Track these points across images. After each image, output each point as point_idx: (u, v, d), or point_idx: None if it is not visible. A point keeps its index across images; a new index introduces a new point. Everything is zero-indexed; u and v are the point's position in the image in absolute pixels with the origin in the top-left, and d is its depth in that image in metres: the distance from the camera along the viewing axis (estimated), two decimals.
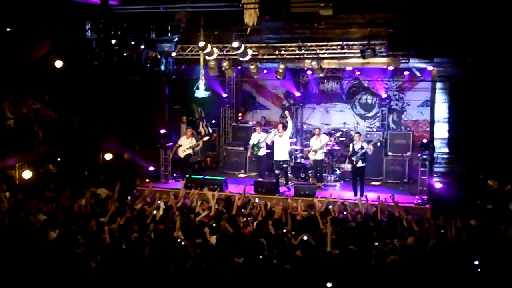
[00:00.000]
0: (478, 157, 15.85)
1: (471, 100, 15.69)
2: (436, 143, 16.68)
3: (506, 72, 15.05)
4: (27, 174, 15.86)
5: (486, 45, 15.15)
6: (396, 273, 8.52)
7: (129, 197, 14.55)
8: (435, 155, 16.60)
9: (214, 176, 18.20)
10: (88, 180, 17.34)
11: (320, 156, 18.05)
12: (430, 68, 16.59)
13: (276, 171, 17.85)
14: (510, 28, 14.57)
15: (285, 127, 18.04)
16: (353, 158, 16.79)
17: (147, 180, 18.00)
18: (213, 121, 21.96)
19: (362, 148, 16.69)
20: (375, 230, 11.38)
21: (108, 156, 18.85)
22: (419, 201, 16.06)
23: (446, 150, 16.65)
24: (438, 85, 16.54)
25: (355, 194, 16.60)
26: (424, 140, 17.71)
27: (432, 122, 17.04)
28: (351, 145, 17.24)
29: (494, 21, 14.74)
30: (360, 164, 16.73)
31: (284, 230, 11.27)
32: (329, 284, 8.03)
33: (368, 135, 19.66)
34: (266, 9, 16.08)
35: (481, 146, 15.80)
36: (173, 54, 15.97)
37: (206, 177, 17.49)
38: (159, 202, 12.95)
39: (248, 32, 15.78)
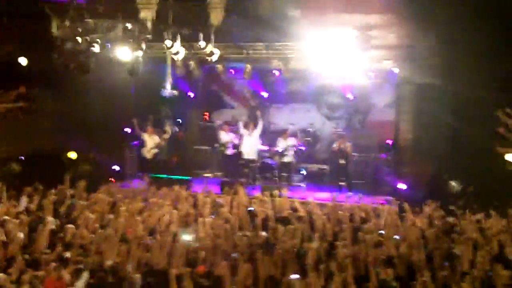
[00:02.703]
0: (442, 158, 16.07)
1: (435, 101, 15.91)
2: (401, 144, 16.89)
3: (469, 72, 15.29)
4: None
5: (449, 47, 15.38)
6: None
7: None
8: (399, 155, 16.81)
9: (180, 175, 18.13)
10: (53, 179, 17.09)
11: (288, 158, 18.17)
12: (395, 70, 16.78)
13: (245, 170, 17.89)
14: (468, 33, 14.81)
15: (256, 126, 18.10)
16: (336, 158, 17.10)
17: (111, 179, 17.86)
18: (180, 121, 21.88)
19: (344, 149, 17.07)
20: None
21: (73, 155, 18.65)
22: (384, 201, 16.23)
23: (410, 151, 16.85)
24: (403, 87, 16.75)
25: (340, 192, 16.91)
26: (389, 141, 17.91)
27: (397, 123, 17.23)
28: (335, 145, 17.47)
29: (454, 25, 14.96)
30: (342, 163, 17.01)
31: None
32: None
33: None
34: (233, 9, 16.06)
35: (444, 148, 16.03)
36: (140, 52, 15.88)
37: (171, 177, 17.43)
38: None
39: (213, 31, 15.76)
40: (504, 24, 14.28)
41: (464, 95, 15.36)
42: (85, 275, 9.01)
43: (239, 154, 18.45)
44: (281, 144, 18.31)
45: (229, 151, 18.59)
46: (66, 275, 9.01)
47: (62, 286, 8.84)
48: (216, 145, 19.05)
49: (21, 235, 10.68)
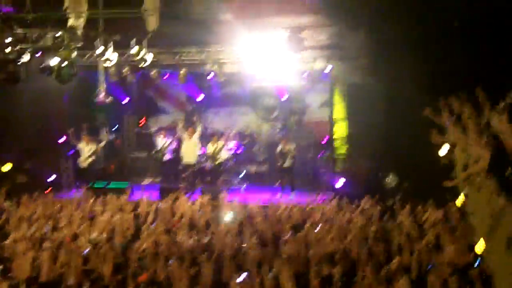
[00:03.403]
0: (376, 155, 16.44)
1: (366, 100, 16.27)
2: (336, 142, 17.20)
3: (398, 71, 15.69)
4: None
5: (379, 47, 15.75)
6: None
7: None
8: (335, 154, 17.11)
9: (118, 183, 17.95)
10: None
11: (221, 158, 18.31)
12: (327, 70, 17.07)
13: (183, 175, 17.88)
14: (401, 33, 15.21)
15: (195, 130, 18.13)
16: (280, 160, 17.28)
17: (48, 190, 17.53)
18: (115, 127, 21.66)
19: (289, 150, 17.23)
20: None
21: (8, 167, 18.22)
22: (323, 199, 16.48)
23: (345, 148, 17.18)
24: (336, 86, 17.06)
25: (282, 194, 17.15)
26: (325, 140, 18.21)
27: (331, 122, 17.54)
28: (278, 147, 17.66)
29: (382, 24, 15.34)
30: (287, 164, 17.11)
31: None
32: None
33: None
34: (166, 14, 16.05)
35: (379, 144, 16.39)
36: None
37: (109, 185, 17.24)
38: None
39: (149, 37, 15.71)
40: (432, 22, 14.70)
41: (393, 93, 15.77)
42: None
43: (177, 159, 18.41)
44: (209, 149, 18.43)
45: (167, 157, 18.54)
46: None
47: None
48: (153, 151, 18.94)
49: None
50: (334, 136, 17.29)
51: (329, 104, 17.99)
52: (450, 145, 9.70)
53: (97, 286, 8.97)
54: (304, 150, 19.64)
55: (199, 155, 18.54)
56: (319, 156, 18.98)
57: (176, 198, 15.43)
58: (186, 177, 17.88)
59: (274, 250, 10.87)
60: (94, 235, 11.71)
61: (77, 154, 18.50)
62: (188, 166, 18.01)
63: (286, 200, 15.33)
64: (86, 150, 18.31)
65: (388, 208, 13.76)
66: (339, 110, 17.12)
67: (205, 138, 19.76)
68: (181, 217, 13.68)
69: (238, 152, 19.19)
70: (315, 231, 12.10)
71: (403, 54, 15.20)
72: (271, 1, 15.98)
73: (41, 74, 13.73)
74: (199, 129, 18.16)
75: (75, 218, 13.11)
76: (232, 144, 18.92)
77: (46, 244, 10.93)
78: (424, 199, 13.51)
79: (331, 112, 17.48)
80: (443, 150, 13.56)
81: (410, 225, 11.88)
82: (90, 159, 18.32)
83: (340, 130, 17.18)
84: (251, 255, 10.30)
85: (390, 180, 16.17)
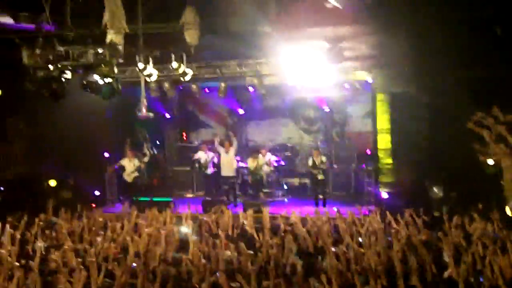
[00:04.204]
0: (421, 165, 16.15)
1: (409, 109, 16.02)
2: (380, 154, 16.94)
3: (442, 80, 15.43)
4: None
5: (421, 55, 15.51)
6: None
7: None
8: (379, 165, 16.85)
9: (161, 197, 18.03)
10: (34, 208, 16.89)
11: (263, 173, 18.28)
12: (370, 80, 16.86)
13: (225, 187, 17.91)
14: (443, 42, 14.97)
15: (231, 144, 18.14)
16: (314, 172, 17.06)
17: (93, 205, 17.68)
18: (158, 142, 21.80)
19: (322, 162, 17.06)
20: None
21: (53, 183, 18.48)
22: (366, 212, 16.23)
23: (390, 160, 16.91)
24: (379, 96, 16.83)
25: (317, 206, 16.89)
26: (368, 151, 17.97)
27: (374, 133, 17.30)
28: (310, 159, 17.53)
29: (431, 31, 15.11)
30: (321, 177, 16.96)
31: None
32: None
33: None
34: (206, 28, 16.11)
35: (423, 154, 16.11)
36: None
37: (153, 199, 17.33)
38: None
39: (189, 52, 15.76)
40: (476, 31, 14.45)
41: (438, 102, 15.49)
42: None
43: (219, 173, 18.45)
44: (250, 164, 18.40)
45: (209, 170, 18.61)
46: None
47: None
48: (195, 165, 19.00)
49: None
50: (378, 147, 17.03)
51: (372, 114, 17.75)
52: (495, 155, 9.49)
53: None
54: (347, 161, 19.43)
55: (237, 169, 18.54)
56: (362, 167, 18.74)
57: (219, 211, 15.40)
58: (227, 190, 17.89)
59: (318, 263, 10.74)
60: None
61: (121, 169, 18.66)
62: (227, 179, 18.05)
63: (329, 213, 15.07)
64: (130, 165, 18.47)
65: (434, 219, 13.46)
66: (382, 121, 16.86)
67: (246, 152, 19.74)
68: (225, 229, 13.65)
69: (280, 165, 19.08)
70: (359, 243, 11.92)
71: (446, 62, 14.94)
72: (310, 12, 15.86)
73: (83, 91, 13.88)
74: (235, 144, 18.18)
75: (120, 232, 13.22)
76: (273, 158, 18.83)
77: (93, 258, 11.00)
78: (471, 210, 13.18)
79: (374, 123, 17.24)
80: (490, 161, 13.28)
81: (458, 236, 11.59)
82: (133, 174, 18.48)
83: (384, 140, 16.92)
84: (295, 268, 10.19)
85: (436, 191, 15.84)
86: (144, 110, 16.25)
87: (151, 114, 16.61)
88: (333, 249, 11.31)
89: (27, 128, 18.02)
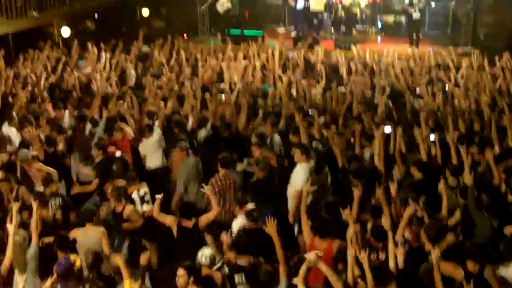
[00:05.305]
0: None
1: None
2: None
3: None
4: (65, 31, 15.78)
5: None
6: None
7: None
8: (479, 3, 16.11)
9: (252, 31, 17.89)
10: (126, 37, 17.24)
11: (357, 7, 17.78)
12: None
13: (315, 22, 17.65)
14: None
15: None
16: (410, 9, 16.51)
17: (185, 35, 17.77)
18: None
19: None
20: None
21: (145, 12, 18.63)
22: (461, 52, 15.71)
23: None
24: None
25: (411, 45, 16.46)
26: None
27: None
28: None
29: None
30: (416, 16, 16.42)
31: None
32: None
33: None
34: None
35: None
36: None
37: (244, 32, 17.31)
38: None
39: None
40: None
41: None
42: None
43: (308, 8, 18.09)
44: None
45: (300, 5, 18.17)
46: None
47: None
48: None
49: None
50: None
51: None
52: None
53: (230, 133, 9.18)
54: None
55: (330, 4, 18.08)
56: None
57: (309, 46, 15.25)
58: (317, 26, 17.61)
59: (409, 102, 10.66)
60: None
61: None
62: (316, 13, 17.70)
63: (426, 52, 14.60)
64: None
65: None
66: None
67: None
68: (314, 65, 13.65)
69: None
70: (453, 84, 11.70)
71: None
72: None
73: None
74: None
75: (212, 62, 13.44)
76: None
77: (187, 86, 11.35)
78: None
79: None
80: None
81: None
82: (226, 5, 18.31)
83: None
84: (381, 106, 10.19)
85: None
86: None
87: None
88: (425, 88, 11.17)
89: None
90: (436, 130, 8.60)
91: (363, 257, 5.31)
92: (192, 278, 5.59)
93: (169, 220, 6.93)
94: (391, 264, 5.57)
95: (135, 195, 7.77)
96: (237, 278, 5.88)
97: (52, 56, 13.63)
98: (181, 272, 5.62)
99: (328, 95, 11.07)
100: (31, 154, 8.32)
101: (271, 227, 5.68)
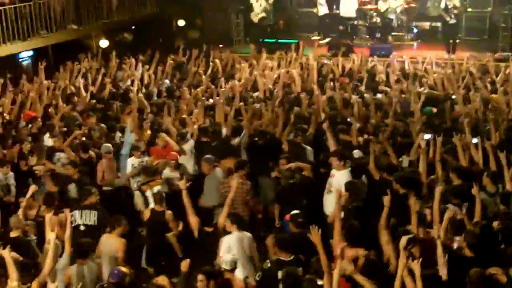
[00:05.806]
0: None
1: None
2: None
3: None
4: (103, 43, 16.08)
5: None
6: None
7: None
8: None
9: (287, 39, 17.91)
10: (163, 48, 17.45)
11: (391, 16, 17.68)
12: None
13: (340, 27, 17.85)
14: None
15: None
16: (446, 15, 16.36)
17: (220, 45, 17.88)
18: None
19: (455, 6, 16.23)
20: None
21: (181, 23, 18.83)
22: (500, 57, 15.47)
23: None
24: None
25: (448, 52, 16.26)
26: None
27: None
28: (442, 2, 16.62)
29: None
30: (452, 21, 16.27)
31: None
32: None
33: None
34: None
35: None
36: None
37: (279, 41, 17.34)
38: None
39: None
40: None
41: None
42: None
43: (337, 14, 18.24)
44: (380, 5, 17.70)
45: (323, 10, 18.30)
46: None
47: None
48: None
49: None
50: None
51: None
52: None
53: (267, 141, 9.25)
54: (482, 4, 18.20)
55: (363, 10, 18.02)
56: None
57: (343, 55, 15.21)
58: (350, 33, 17.61)
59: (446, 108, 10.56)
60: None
61: (248, 9, 18.64)
62: (347, 19, 17.87)
63: (460, 58, 14.47)
64: (257, 5, 18.35)
65: None
66: None
67: None
68: (348, 72, 13.65)
69: (411, 6, 18.21)
70: (491, 90, 11.56)
71: None
72: None
73: None
74: None
75: (246, 71, 13.52)
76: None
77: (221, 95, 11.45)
78: None
79: None
80: None
81: None
82: (261, 15, 18.39)
83: None
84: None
85: None
86: None
87: None
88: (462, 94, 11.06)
89: None
90: (475, 137, 8.50)
91: (416, 266, 5.22)
92: (212, 283, 5.71)
93: (193, 220, 7.10)
94: (443, 274, 5.50)
95: (148, 194, 8.28)
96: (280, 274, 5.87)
97: (93, 67, 13.90)
98: (200, 277, 5.73)
99: (365, 103, 11.03)
100: None
101: (315, 235, 5.68)
